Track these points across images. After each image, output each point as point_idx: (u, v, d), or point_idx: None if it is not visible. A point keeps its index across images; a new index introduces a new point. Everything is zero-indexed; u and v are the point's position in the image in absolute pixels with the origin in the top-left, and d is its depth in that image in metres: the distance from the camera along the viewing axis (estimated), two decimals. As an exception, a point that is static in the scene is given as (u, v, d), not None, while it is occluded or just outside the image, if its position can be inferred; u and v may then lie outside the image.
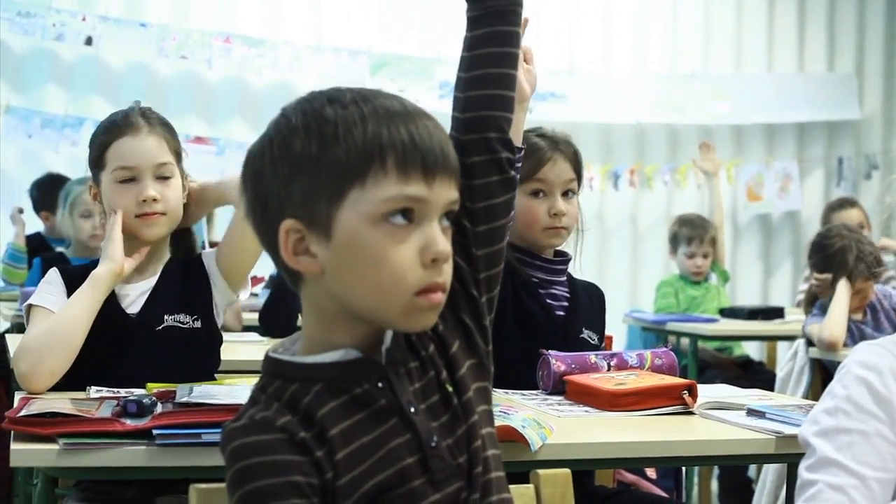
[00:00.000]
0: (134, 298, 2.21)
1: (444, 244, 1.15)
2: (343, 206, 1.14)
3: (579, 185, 2.47)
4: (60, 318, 2.08)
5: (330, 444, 1.14)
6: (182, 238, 2.35)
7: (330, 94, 1.19)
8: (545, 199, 2.41)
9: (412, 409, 1.19)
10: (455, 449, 1.20)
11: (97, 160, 2.23)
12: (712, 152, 6.09)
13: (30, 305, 2.14)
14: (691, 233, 5.19)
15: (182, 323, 2.18)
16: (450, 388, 1.24)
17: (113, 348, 2.14)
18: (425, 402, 1.21)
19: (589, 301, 2.51)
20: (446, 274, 1.17)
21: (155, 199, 2.19)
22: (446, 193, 1.17)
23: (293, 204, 1.16)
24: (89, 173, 2.28)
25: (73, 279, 2.17)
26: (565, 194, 2.43)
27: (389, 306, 1.15)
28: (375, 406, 1.18)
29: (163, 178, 2.21)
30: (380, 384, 1.18)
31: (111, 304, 2.16)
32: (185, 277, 2.24)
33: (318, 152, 1.14)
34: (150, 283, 2.22)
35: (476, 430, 1.23)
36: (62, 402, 1.81)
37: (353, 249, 1.14)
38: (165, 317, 2.18)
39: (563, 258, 2.48)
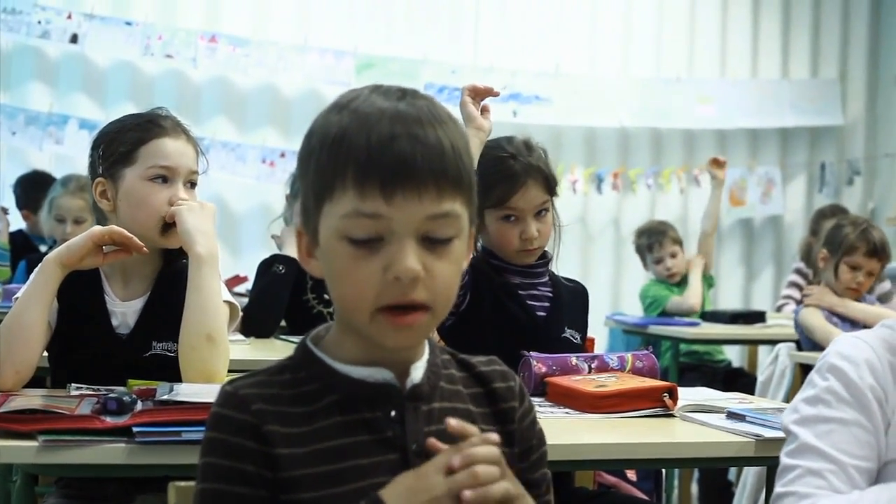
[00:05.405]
0: (125, 317, 2.13)
1: (408, 263, 1.09)
2: (321, 217, 1.13)
3: (554, 191, 2.44)
4: (15, 313, 2.01)
5: (311, 455, 1.11)
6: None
7: (344, 95, 1.16)
8: (517, 224, 2.39)
9: (414, 448, 1.14)
10: None
11: (125, 155, 2.11)
12: (723, 166, 6.05)
13: (17, 298, 2.08)
14: (650, 239, 5.17)
15: (169, 352, 2.10)
16: None
17: (99, 363, 2.09)
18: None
19: (572, 300, 2.51)
20: (422, 292, 1.10)
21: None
22: (417, 209, 1.09)
23: (300, 209, 1.18)
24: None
25: None
26: (538, 213, 2.41)
27: (358, 322, 1.13)
28: (381, 435, 1.14)
29: (191, 186, 2.16)
30: (393, 413, 1.15)
31: (102, 321, 2.11)
32: (176, 296, 2.09)
33: (307, 161, 1.15)
34: (141, 301, 2.14)
35: None
36: (42, 399, 1.80)
37: (328, 262, 1.14)
38: (154, 343, 2.12)
39: (543, 259, 2.48)
